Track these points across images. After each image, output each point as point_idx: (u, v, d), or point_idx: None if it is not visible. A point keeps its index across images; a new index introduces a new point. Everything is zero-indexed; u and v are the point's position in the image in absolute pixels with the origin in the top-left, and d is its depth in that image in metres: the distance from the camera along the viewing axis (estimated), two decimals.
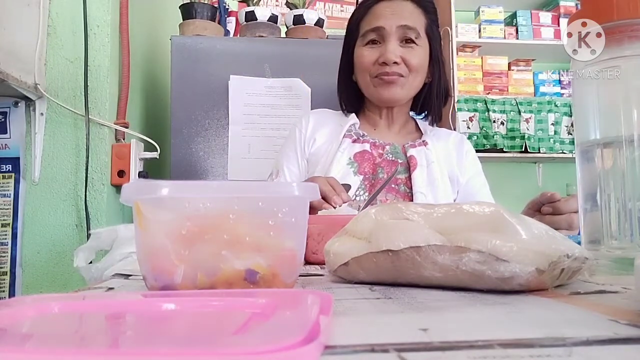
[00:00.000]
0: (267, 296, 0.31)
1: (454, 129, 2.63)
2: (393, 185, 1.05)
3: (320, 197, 0.80)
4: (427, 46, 1.08)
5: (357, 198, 1.01)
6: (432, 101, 1.14)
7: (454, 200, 1.10)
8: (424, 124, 1.18)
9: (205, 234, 0.39)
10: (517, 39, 2.76)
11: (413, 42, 1.04)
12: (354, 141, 1.10)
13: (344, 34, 1.17)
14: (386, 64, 1.02)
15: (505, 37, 2.76)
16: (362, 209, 0.83)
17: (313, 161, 1.11)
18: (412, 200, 1.01)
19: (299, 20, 1.80)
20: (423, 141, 1.12)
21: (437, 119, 1.16)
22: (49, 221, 1.51)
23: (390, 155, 1.08)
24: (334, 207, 0.79)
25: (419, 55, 1.05)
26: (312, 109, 1.41)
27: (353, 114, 1.15)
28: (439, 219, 0.41)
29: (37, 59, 1.48)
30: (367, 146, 1.09)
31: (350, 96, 1.16)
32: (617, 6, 0.50)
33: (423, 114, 1.18)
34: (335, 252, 0.47)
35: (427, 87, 1.13)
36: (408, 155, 1.08)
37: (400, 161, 1.07)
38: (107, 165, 1.56)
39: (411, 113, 1.21)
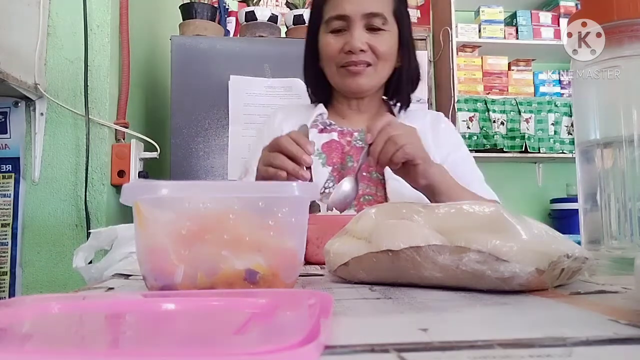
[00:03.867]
0: (267, 296, 0.31)
1: None
2: (365, 173, 0.99)
3: (287, 159, 0.76)
4: (395, 30, 1.02)
5: (326, 190, 0.97)
6: (402, 87, 1.07)
7: None
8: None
9: (205, 234, 0.39)
10: (517, 39, 2.76)
11: (380, 28, 0.99)
12: (321, 131, 1.05)
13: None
14: (352, 52, 0.97)
15: (505, 37, 2.76)
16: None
17: None
18: (384, 187, 0.97)
19: (298, 20, 1.80)
20: None
21: (406, 106, 1.09)
22: (49, 221, 1.51)
23: (360, 142, 1.03)
24: (305, 168, 0.75)
25: (387, 41, 1.00)
26: None
27: (321, 104, 1.11)
28: (439, 219, 0.41)
29: (37, 59, 1.48)
30: (334, 135, 1.04)
31: (319, 84, 1.10)
32: (617, 6, 0.51)
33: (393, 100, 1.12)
34: (335, 252, 0.47)
35: (397, 72, 1.06)
36: None
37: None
38: (107, 165, 1.56)
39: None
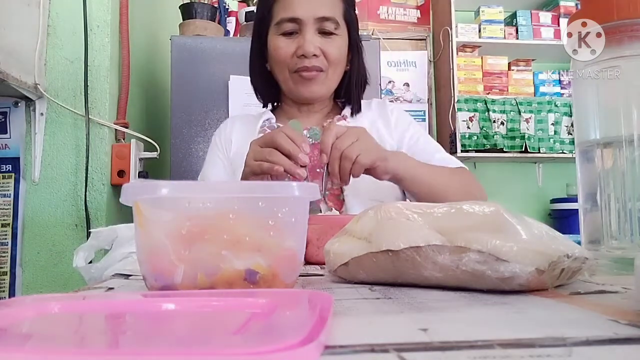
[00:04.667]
0: (267, 296, 0.31)
1: (454, 129, 2.63)
2: (318, 170, 0.97)
3: (283, 156, 0.75)
4: (346, 34, 1.01)
5: None
6: (352, 90, 1.06)
7: None
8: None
9: (205, 234, 0.39)
10: (517, 39, 2.76)
11: (332, 33, 0.98)
12: None
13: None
14: (305, 56, 0.96)
15: (505, 37, 2.76)
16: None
17: (235, 164, 1.04)
18: None
19: None
20: (342, 116, 1.06)
21: (357, 109, 1.08)
22: (49, 221, 1.52)
23: (310, 140, 1.02)
24: (302, 165, 0.75)
25: (339, 46, 0.99)
26: None
27: (267, 110, 1.10)
28: (439, 219, 0.41)
29: (37, 59, 1.48)
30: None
31: (267, 86, 1.08)
32: (617, 6, 0.51)
33: (343, 102, 1.11)
34: (335, 252, 0.47)
35: (347, 76, 1.05)
36: None
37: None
38: (107, 165, 1.57)
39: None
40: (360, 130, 0.80)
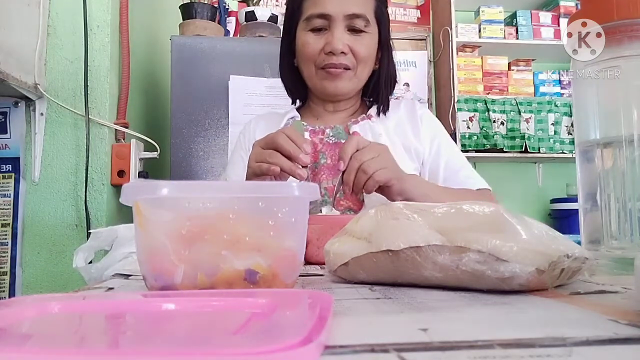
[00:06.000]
0: (267, 296, 0.31)
1: (454, 129, 2.63)
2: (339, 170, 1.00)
3: (283, 157, 0.75)
4: (376, 32, 1.00)
5: None
6: (380, 89, 1.04)
7: (420, 173, 1.01)
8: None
9: (205, 234, 0.39)
10: (517, 39, 2.76)
11: (362, 30, 0.97)
12: None
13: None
14: (333, 53, 0.95)
15: (505, 37, 2.76)
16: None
17: None
18: None
19: None
20: (368, 115, 1.05)
21: (385, 108, 1.06)
22: (49, 221, 1.52)
23: (333, 138, 1.02)
24: (303, 166, 0.75)
25: (368, 44, 0.98)
26: None
27: (293, 108, 1.10)
28: (439, 219, 0.41)
29: (37, 59, 1.48)
30: (306, 135, 1.02)
31: (295, 82, 1.07)
32: (617, 6, 0.51)
33: (371, 100, 1.10)
34: (335, 252, 0.47)
35: (375, 74, 1.04)
36: (351, 132, 1.00)
37: (343, 141, 0.98)
38: (107, 165, 1.56)
39: None
40: (383, 148, 0.80)
